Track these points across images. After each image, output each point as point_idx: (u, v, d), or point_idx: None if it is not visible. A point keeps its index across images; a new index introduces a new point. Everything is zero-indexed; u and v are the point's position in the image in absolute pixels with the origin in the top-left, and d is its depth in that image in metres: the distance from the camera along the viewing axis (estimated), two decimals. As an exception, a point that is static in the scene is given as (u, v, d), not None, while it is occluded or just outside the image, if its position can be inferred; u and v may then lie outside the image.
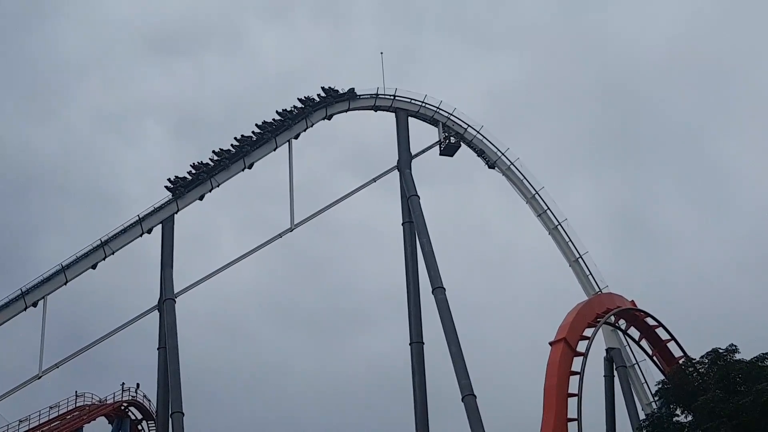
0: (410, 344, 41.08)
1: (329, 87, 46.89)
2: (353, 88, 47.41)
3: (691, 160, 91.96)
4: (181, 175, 41.95)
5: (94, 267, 38.95)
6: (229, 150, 43.34)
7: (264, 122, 44.55)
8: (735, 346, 30.05)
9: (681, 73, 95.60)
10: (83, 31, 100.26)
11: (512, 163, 49.50)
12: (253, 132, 44.14)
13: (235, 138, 43.75)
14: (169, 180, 41.98)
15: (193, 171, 42.40)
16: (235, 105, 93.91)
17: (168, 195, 41.41)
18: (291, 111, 45.36)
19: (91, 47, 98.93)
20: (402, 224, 44.31)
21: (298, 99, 45.84)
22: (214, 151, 43.20)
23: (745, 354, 29.84)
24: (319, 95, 46.54)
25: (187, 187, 41.70)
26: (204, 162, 42.81)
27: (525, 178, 49.55)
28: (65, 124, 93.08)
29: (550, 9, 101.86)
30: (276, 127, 44.51)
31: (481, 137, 49.45)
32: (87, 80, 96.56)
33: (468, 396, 37.52)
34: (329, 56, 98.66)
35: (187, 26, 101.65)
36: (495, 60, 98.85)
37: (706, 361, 30.30)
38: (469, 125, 49.32)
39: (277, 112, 45.10)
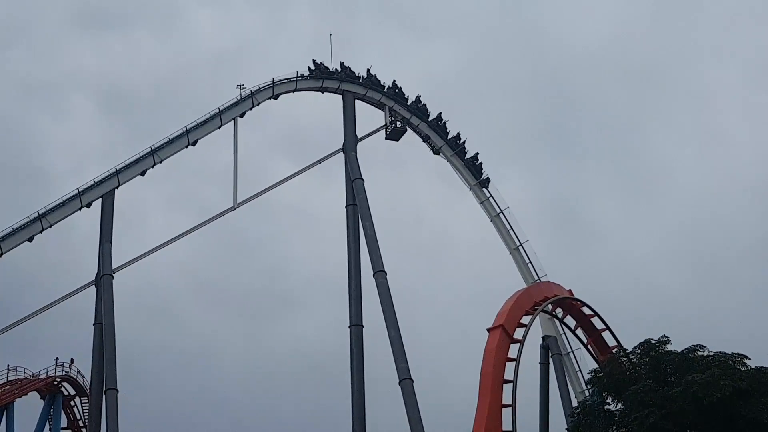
0: (350, 327, 41.18)
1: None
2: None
3: (623, 154, 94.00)
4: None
5: (30, 240, 38.30)
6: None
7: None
8: (667, 337, 30.58)
9: (615, 67, 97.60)
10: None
11: (457, 150, 49.75)
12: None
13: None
14: (314, 61, 46.56)
15: (313, 68, 46.60)
16: (166, 83, 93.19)
17: (108, 169, 40.79)
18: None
19: (16, 17, 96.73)
20: (345, 207, 44.30)
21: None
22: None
23: (676, 345, 30.49)
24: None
25: (324, 73, 46.72)
26: (324, 64, 46.97)
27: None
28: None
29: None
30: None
31: (427, 123, 49.63)
32: (12, 51, 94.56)
33: (405, 380, 37.76)
34: (264, 38, 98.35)
35: (118, 1, 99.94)
36: (431, 48, 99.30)
37: (639, 351, 30.82)
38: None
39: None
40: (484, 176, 49.33)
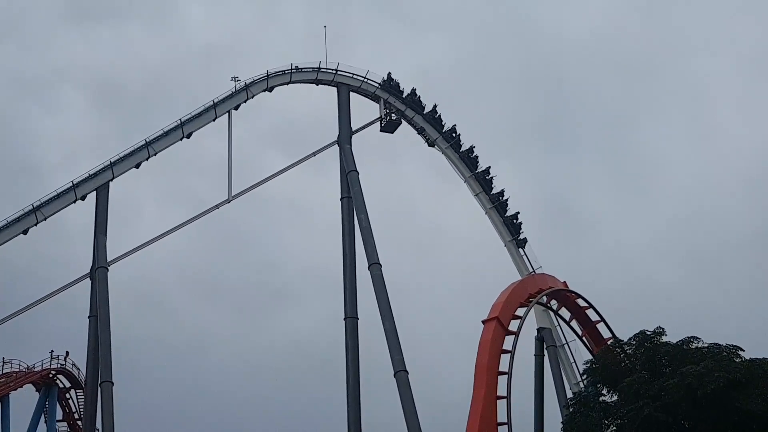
0: (345, 319, 41.10)
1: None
2: None
3: (616, 147, 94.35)
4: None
5: (25, 233, 38.17)
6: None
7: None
8: (662, 328, 30.72)
9: (607, 61, 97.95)
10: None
11: (452, 143, 49.73)
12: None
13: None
14: (389, 74, 48.42)
15: (385, 78, 48.09)
16: (158, 76, 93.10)
17: (103, 162, 40.74)
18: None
19: (7, 10, 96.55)
20: (340, 199, 44.24)
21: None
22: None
23: (671, 337, 30.60)
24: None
25: (392, 86, 48.16)
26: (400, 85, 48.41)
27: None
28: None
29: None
30: None
31: (422, 116, 49.60)
32: (3, 44, 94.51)
33: (400, 371, 37.77)
34: (257, 31, 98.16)
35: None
36: (425, 41, 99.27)
37: (634, 342, 30.93)
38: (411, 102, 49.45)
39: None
40: (522, 236, 48.27)
